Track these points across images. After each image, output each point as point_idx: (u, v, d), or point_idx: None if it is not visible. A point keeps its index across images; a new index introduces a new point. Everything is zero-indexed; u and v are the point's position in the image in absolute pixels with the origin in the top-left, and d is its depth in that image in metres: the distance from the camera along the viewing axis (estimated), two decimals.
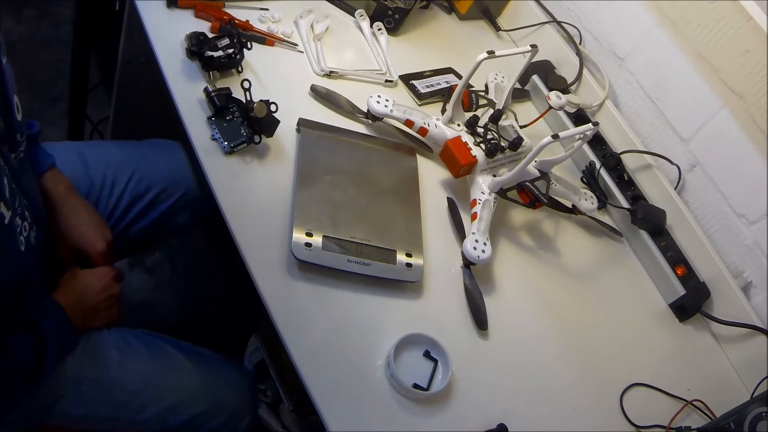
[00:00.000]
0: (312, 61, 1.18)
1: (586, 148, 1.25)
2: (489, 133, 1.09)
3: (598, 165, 1.23)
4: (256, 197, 0.96)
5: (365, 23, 1.29)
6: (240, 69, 1.09)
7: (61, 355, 0.91)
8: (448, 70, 1.31)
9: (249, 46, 1.07)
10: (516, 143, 1.09)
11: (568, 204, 1.13)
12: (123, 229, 1.11)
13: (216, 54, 1.03)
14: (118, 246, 1.12)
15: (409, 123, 1.10)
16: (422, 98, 1.23)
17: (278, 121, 0.99)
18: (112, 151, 1.14)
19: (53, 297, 0.92)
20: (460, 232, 1.04)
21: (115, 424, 1.00)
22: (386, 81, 1.22)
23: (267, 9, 1.22)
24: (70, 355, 0.93)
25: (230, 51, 1.05)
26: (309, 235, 0.91)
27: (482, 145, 1.07)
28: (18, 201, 0.79)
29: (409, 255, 0.95)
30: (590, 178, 1.23)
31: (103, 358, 0.97)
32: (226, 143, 0.98)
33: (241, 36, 1.06)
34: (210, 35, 1.05)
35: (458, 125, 1.11)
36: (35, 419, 0.96)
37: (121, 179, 1.10)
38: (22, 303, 0.85)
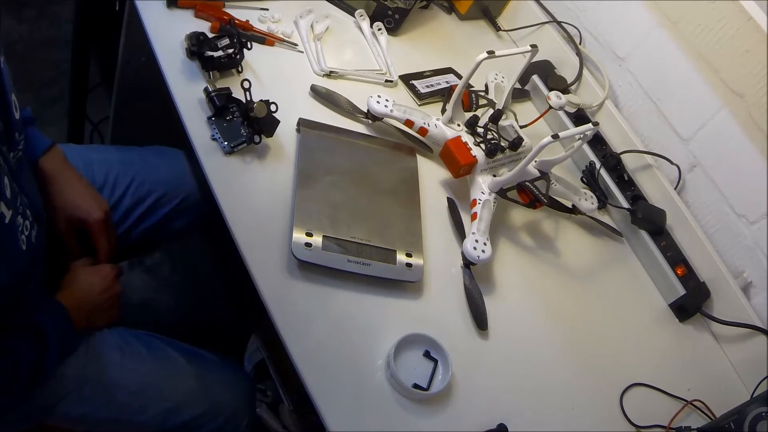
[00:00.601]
0: (312, 61, 1.18)
1: (586, 148, 1.25)
2: (489, 133, 1.09)
3: (598, 165, 1.23)
4: (256, 197, 0.96)
5: (365, 23, 1.29)
6: (240, 69, 1.09)
7: (63, 358, 0.91)
8: (448, 70, 1.31)
9: (249, 46, 1.07)
10: (516, 143, 1.09)
11: (568, 204, 1.13)
12: (123, 232, 1.11)
13: (216, 54, 1.03)
14: (120, 248, 1.13)
15: (409, 123, 1.10)
16: (422, 98, 1.23)
17: (278, 121, 0.99)
18: (114, 155, 1.14)
19: (57, 298, 0.92)
20: (460, 232, 1.04)
21: (116, 425, 1.00)
22: (386, 81, 1.22)
23: (267, 9, 1.22)
24: (72, 356, 0.93)
25: (230, 51, 1.04)
26: (309, 235, 0.91)
27: (482, 145, 1.07)
28: (19, 200, 0.79)
29: (409, 255, 0.95)
30: (590, 178, 1.23)
31: (104, 359, 0.97)
32: (226, 143, 0.98)
33: (241, 36, 1.06)
34: (210, 35, 1.05)
35: (458, 125, 1.11)
36: (36, 419, 0.96)
37: (122, 181, 1.11)
38: (25, 303, 0.85)
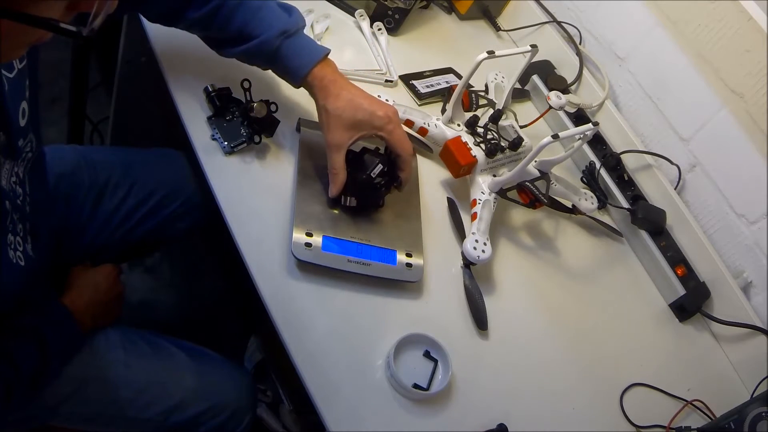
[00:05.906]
0: None
1: (586, 148, 1.25)
2: (489, 133, 1.09)
3: (598, 165, 1.23)
4: (256, 197, 0.96)
5: (365, 23, 1.29)
6: None
7: (66, 360, 0.91)
8: (448, 70, 1.31)
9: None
10: (516, 143, 1.09)
11: (568, 204, 1.13)
12: (125, 233, 1.11)
13: None
14: (120, 249, 1.13)
15: (409, 123, 1.10)
16: (422, 98, 1.23)
17: (278, 121, 0.99)
18: (116, 156, 1.15)
19: (63, 301, 0.92)
20: (460, 232, 1.04)
21: (119, 423, 1.00)
22: (386, 81, 1.22)
23: None
24: (76, 355, 0.93)
25: None
26: (309, 235, 0.91)
27: (482, 145, 1.07)
28: (9, 218, 0.77)
29: (409, 255, 0.95)
30: (590, 178, 1.23)
31: (108, 357, 0.98)
32: (226, 143, 0.98)
33: None
34: None
35: (458, 125, 1.11)
36: (41, 419, 0.96)
37: (124, 182, 1.11)
38: (28, 307, 0.85)
